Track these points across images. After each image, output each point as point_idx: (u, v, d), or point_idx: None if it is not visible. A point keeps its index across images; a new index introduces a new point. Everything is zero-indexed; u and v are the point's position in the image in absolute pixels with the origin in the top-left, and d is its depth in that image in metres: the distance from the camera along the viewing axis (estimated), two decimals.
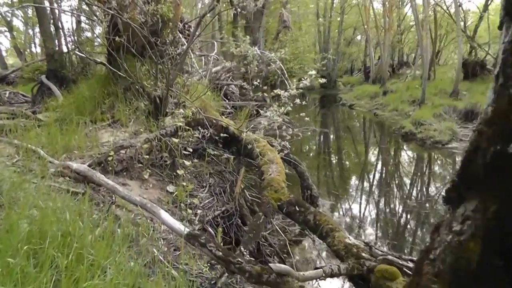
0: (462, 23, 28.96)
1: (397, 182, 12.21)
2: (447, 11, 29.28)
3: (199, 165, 7.28)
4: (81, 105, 8.07)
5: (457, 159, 14.80)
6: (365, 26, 38.95)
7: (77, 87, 9.31)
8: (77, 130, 7.06)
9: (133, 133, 7.22)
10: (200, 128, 7.18)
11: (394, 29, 36.58)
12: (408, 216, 9.12)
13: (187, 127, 6.97)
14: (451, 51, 39.78)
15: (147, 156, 6.35)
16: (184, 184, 6.30)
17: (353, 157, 16.57)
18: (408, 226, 8.68)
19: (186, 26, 8.94)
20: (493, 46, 29.01)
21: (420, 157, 15.96)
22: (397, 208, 9.68)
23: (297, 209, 5.49)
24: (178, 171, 6.36)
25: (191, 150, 6.90)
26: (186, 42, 8.28)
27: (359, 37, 58.63)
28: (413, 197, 10.38)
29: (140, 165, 6.27)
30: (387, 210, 9.55)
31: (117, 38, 7.46)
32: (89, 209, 4.43)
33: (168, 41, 7.81)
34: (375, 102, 29.02)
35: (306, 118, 7.64)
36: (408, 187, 11.78)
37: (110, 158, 5.98)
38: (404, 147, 17.57)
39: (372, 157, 16.36)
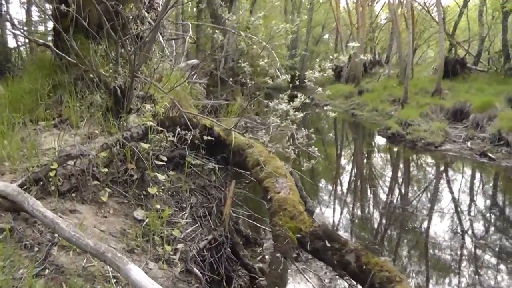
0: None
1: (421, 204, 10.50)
2: (425, 7, 28.17)
3: (176, 179, 5.45)
4: (17, 100, 6.09)
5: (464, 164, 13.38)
6: (337, 23, 37.66)
7: (15, 79, 7.24)
8: (9, 133, 5.15)
9: (86, 136, 5.34)
10: (178, 129, 5.35)
11: (367, 26, 35.39)
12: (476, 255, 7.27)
13: (160, 128, 5.14)
14: (424, 50, 38.79)
15: (106, 170, 4.49)
16: (158, 207, 4.49)
17: (343, 163, 14.94)
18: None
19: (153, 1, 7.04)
20: (473, 44, 28.00)
21: (417, 162, 14.49)
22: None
23: (328, 245, 3.75)
24: (149, 189, 4.53)
25: (165, 159, 5.06)
26: (154, 21, 6.41)
27: (326, 36, 57.55)
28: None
29: (96, 182, 4.40)
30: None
31: (65, 10, 5.54)
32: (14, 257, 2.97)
33: (132, 17, 5.96)
34: (351, 102, 27.80)
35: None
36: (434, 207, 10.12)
37: (52, 173, 4.12)
38: (394, 150, 16.11)
39: (362, 163, 14.71)
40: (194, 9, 24.58)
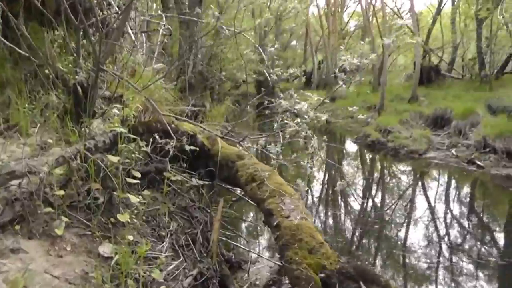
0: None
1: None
2: (398, 13, 27.78)
3: (152, 199, 4.39)
4: None
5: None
6: (307, 29, 37.06)
7: None
8: None
9: (39, 146, 4.23)
10: (157, 137, 4.29)
11: (338, 32, 34.87)
12: None
13: (132, 136, 4.06)
14: (394, 57, 38.46)
15: (62, 192, 3.39)
16: (131, 238, 3.44)
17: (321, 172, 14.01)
18: None
19: None
20: (447, 51, 27.69)
21: (403, 170, 13.71)
22: None
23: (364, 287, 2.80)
24: (119, 216, 3.46)
25: (139, 174, 3.98)
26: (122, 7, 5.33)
27: (294, 43, 57.06)
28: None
29: (49, 209, 3.30)
30: None
31: None
32: None
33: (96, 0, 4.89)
34: (324, 108, 26.91)
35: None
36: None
37: None
38: (376, 158, 15.33)
39: (346, 173, 13.80)
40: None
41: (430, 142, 15.39)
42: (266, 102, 5.07)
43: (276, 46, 6.93)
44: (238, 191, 5.73)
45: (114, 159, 3.58)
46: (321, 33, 38.79)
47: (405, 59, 36.76)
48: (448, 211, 9.18)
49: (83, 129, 4.15)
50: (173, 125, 4.64)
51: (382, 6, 24.04)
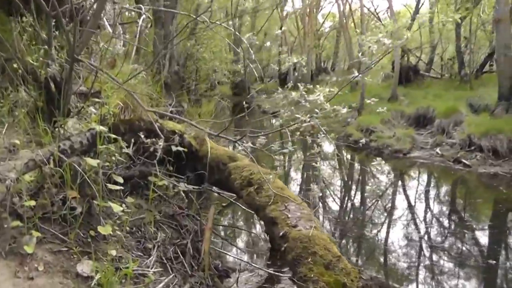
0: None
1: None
2: (375, 13, 27.65)
3: (136, 207, 3.90)
4: None
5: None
6: (283, 29, 36.66)
7: None
8: None
9: (6, 149, 3.70)
10: (142, 136, 3.80)
11: (314, 33, 34.65)
12: None
13: (113, 135, 3.56)
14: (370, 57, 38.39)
15: (33, 202, 2.89)
16: (114, 253, 2.96)
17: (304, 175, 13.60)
18: None
19: None
20: (425, 51, 27.61)
21: (389, 171, 13.37)
22: None
23: None
24: (100, 229, 2.97)
25: (121, 180, 3.48)
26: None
27: (268, 43, 56.78)
28: None
29: (18, 222, 2.79)
30: None
31: None
32: None
33: None
34: (301, 108, 26.56)
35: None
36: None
37: None
38: (359, 158, 14.98)
39: (330, 174, 13.40)
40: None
41: (414, 141, 15.12)
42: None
43: (254, 37, 6.38)
44: (230, 196, 5.28)
45: (93, 162, 3.08)
46: (296, 34, 38.56)
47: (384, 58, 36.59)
48: (437, 210, 8.89)
49: (56, 129, 3.64)
50: (157, 124, 4.15)
51: (360, 5, 23.75)
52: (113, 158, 3.73)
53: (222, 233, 5.77)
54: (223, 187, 4.46)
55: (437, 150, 14.28)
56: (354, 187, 11.59)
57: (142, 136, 3.75)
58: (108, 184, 3.29)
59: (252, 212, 4.65)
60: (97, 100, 3.83)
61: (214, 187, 4.73)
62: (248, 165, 4.20)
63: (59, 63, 3.83)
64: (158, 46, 16.01)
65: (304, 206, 3.48)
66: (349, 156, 15.62)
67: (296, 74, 34.42)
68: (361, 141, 15.58)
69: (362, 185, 11.62)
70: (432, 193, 10.59)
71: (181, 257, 3.83)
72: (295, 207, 3.38)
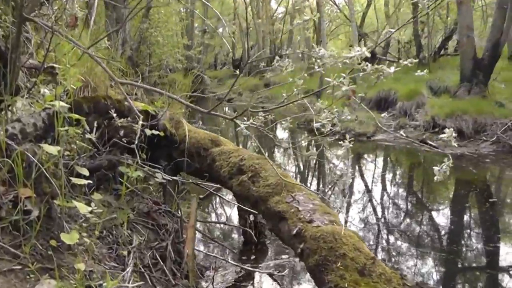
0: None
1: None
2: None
3: (104, 204, 3.17)
4: None
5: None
6: (237, 14, 36.10)
7: None
8: None
9: None
10: (114, 115, 3.07)
11: (266, 19, 34.15)
12: None
13: (76, 116, 2.80)
14: (326, 42, 38.27)
15: None
16: (83, 267, 2.26)
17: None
18: None
19: None
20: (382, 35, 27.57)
21: (355, 155, 12.98)
22: None
23: None
24: (63, 237, 2.26)
25: (86, 172, 2.74)
26: None
27: (221, 30, 55.96)
28: None
29: None
30: None
31: None
32: None
33: None
34: (259, 95, 26.06)
35: None
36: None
37: None
38: (322, 143, 14.54)
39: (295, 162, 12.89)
40: None
41: (377, 124, 14.86)
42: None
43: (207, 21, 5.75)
44: (210, 187, 4.62)
45: (53, 149, 2.35)
46: (250, 19, 37.89)
47: (340, 42, 36.72)
48: (403, 193, 8.65)
49: (3, 111, 2.88)
50: (126, 103, 3.43)
51: None
52: (75, 145, 3.00)
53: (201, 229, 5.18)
54: (206, 176, 3.79)
55: (401, 132, 14.14)
56: (316, 173, 11.08)
57: (115, 115, 3.02)
58: (71, 178, 2.56)
59: (245, 205, 4.02)
60: (53, 73, 3.05)
61: (193, 177, 4.05)
62: (236, 150, 3.55)
63: (3, 27, 3.06)
64: (111, 29, 15.04)
65: (314, 196, 2.86)
66: (312, 142, 15.18)
67: (249, 60, 33.76)
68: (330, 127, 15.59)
69: (323, 170, 11.16)
70: (400, 175, 10.25)
71: (161, 263, 3.16)
72: (304, 197, 2.76)
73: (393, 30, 3.13)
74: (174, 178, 3.43)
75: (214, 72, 47.00)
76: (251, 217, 4.78)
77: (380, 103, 17.31)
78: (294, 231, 2.49)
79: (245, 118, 3.04)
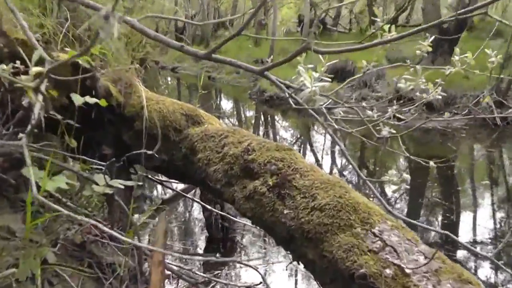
0: None
1: None
2: None
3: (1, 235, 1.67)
4: None
5: None
6: None
7: None
8: None
9: None
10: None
11: None
12: None
13: None
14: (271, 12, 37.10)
15: None
16: None
17: None
18: None
19: None
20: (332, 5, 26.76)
21: (317, 129, 11.81)
22: None
23: None
24: None
25: None
26: None
27: None
28: None
29: None
30: None
31: None
32: None
33: None
34: (203, 64, 24.55)
35: None
36: None
37: None
38: (278, 115, 13.52)
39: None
40: None
41: (337, 95, 13.82)
42: None
43: None
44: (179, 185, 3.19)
45: None
46: None
47: (288, 11, 35.70)
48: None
49: None
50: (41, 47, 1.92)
51: None
52: None
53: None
54: (178, 173, 2.35)
55: (363, 104, 13.10)
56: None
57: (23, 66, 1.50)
58: None
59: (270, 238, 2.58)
60: None
61: (157, 174, 2.61)
62: (232, 131, 2.12)
63: None
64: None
65: (411, 233, 1.47)
66: (267, 114, 14.03)
67: (194, 28, 32.53)
68: (273, 95, 14.46)
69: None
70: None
71: None
72: (399, 236, 1.37)
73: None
74: (127, 183, 1.94)
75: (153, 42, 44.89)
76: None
77: (337, 73, 16.36)
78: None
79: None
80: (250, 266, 3.02)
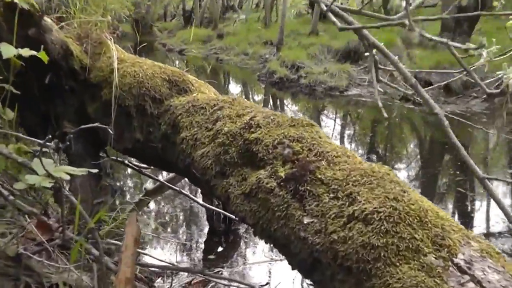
0: None
1: None
2: None
3: None
4: None
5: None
6: None
7: None
8: None
9: None
10: None
11: None
12: None
13: None
14: None
15: None
16: None
17: None
18: None
19: None
20: None
21: (330, 112, 11.38)
22: None
23: None
24: None
25: None
26: None
27: None
28: None
29: None
30: None
31: None
32: None
33: None
34: (211, 46, 24.21)
35: None
36: None
37: None
38: (289, 98, 13.15)
39: None
40: None
41: (351, 78, 13.40)
42: None
43: None
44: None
45: None
46: None
47: None
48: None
49: None
50: None
51: None
52: None
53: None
54: (157, 160, 1.80)
55: (377, 87, 12.57)
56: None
57: None
58: None
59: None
60: None
61: (133, 160, 2.05)
62: (229, 101, 1.54)
63: None
64: None
65: (501, 256, 0.90)
66: (277, 96, 13.63)
67: (202, 10, 32.11)
68: (283, 77, 14.04)
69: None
70: (389, 137, 8.44)
71: None
72: (489, 264, 0.80)
73: None
74: (92, 170, 1.36)
75: (164, 23, 44.59)
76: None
77: (349, 54, 15.84)
78: None
79: None
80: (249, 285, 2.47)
